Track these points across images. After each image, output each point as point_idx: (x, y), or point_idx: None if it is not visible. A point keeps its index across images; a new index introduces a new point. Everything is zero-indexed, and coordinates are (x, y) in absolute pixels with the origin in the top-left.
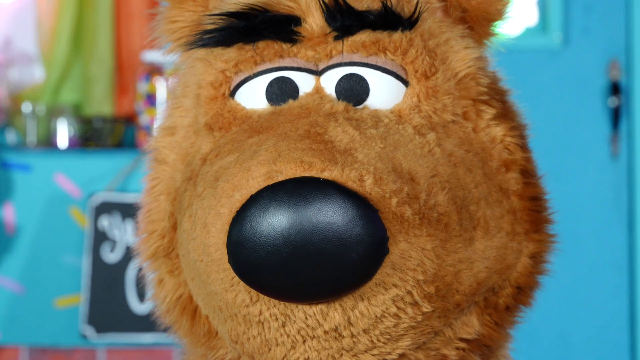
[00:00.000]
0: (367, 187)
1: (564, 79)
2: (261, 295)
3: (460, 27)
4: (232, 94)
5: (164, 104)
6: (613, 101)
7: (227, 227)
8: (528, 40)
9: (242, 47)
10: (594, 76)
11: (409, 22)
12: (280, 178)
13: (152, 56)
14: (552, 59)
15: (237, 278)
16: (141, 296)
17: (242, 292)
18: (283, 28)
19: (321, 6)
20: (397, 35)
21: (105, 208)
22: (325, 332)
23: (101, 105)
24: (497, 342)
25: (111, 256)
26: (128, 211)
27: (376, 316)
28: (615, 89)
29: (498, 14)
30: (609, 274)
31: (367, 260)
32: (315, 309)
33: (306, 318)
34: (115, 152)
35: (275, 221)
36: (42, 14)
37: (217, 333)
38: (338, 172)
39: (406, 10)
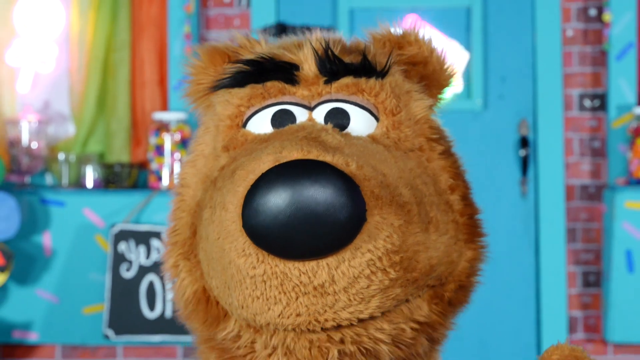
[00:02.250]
0: (352, 169)
1: (484, 135)
2: (266, 258)
3: (417, 85)
4: (244, 124)
5: (170, 154)
6: (522, 152)
7: (242, 201)
8: (456, 104)
9: (253, 87)
10: (508, 132)
11: (381, 73)
12: (285, 161)
13: (160, 116)
14: (474, 119)
15: (247, 244)
16: (151, 305)
17: (251, 255)
18: (285, 72)
19: (315, 57)
20: (372, 82)
21: (123, 235)
22: (314, 288)
23: (120, 154)
24: (440, 332)
25: (127, 273)
26: (141, 238)
27: (354, 276)
28: (524, 142)
29: (446, 82)
30: (520, 287)
31: (350, 222)
32: (307, 267)
33: (300, 275)
34: (131, 191)
35: (280, 190)
36: (74, 82)
37: (225, 315)
38: (330, 157)
39: (379, 64)
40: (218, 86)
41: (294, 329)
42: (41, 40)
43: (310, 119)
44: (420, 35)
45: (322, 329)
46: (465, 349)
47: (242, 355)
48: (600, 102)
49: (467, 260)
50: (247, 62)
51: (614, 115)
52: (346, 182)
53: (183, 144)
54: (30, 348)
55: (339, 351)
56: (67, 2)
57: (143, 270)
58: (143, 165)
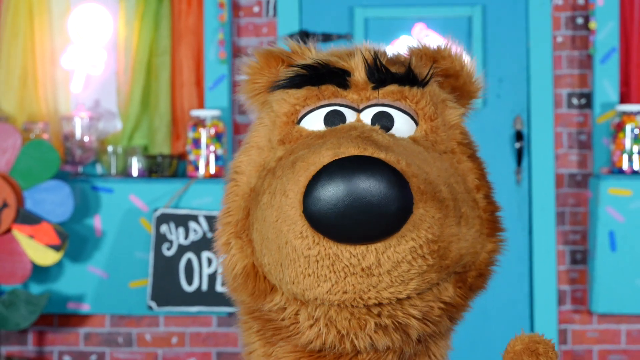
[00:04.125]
0: (402, 166)
1: (483, 129)
2: (321, 240)
3: (451, 95)
4: (299, 122)
5: (205, 146)
6: (517, 145)
7: (303, 190)
8: None
9: (309, 88)
10: (504, 127)
11: (422, 83)
12: (343, 156)
13: (197, 113)
14: (474, 115)
15: (305, 227)
16: (189, 280)
17: (308, 237)
18: (338, 77)
19: (365, 65)
20: (414, 90)
21: (164, 219)
22: (362, 269)
23: (162, 147)
24: (459, 313)
25: (168, 252)
26: (180, 221)
27: (397, 261)
28: (519, 136)
29: (475, 94)
30: (515, 264)
31: (399, 213)
32: (358, 250)
33: (350, 257)
34: (171, 179)
35: (339, 181)
36: (121, 83)
37: (271, 289)
38: (383, 154)
39: (420, 75)
40: (277, 86)
41: (339, 305)
42: (92, 46)
43: (359, 120)
44: (453, 50)
45: (364, 305)
46: (468, 320)
47: (287, 325)
48: (587, 100)
49: (487, 251)
50: (304, 66)
51: (598, 112)
52: (397, 177)
53: (217, 137)
54: (83, 317)
55: (375, 323)
56: (115, 13)
57: (182, 249)
58: (182, 157)
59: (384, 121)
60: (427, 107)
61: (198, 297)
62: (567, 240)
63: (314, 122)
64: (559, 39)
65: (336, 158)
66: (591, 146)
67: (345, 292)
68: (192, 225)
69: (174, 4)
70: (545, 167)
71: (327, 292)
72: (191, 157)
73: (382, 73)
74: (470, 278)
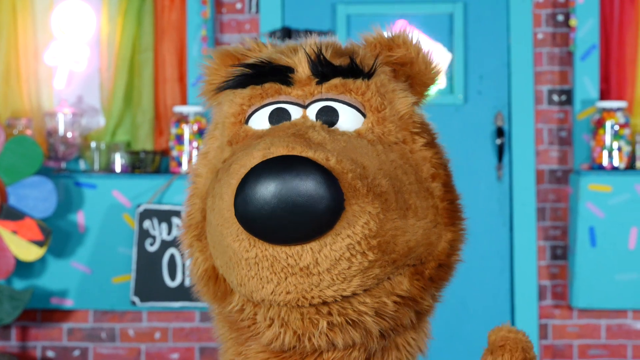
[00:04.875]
0: (331, 164)
1: (464, 126)
2: (257, 242)
3: (403, 83)
4: (246, 121)
5: (188, 142)
6: (498, 141)
7: (234, 192)
8: (440, 99)
9: (253, 87)
10: (485, 123)
11: (367, 74)
12: (272, 156)
13: (180, 109)
14: (456, 112)
15: (240, 230)
16: (172, 275)
17: (244, 240)
18: (281, 74)
19: (308, 61)
20: (359, 82)
21: (147, 214)
22: (301, 269)
23: (145, 143)
24: (424, 305)
25: (151, 247)
26: (163, 216)
27: (335, 259)
28: (500, 132)
29: (431, 81)
30: (496, 259)
31: (328, 212)
32: (293, 250)
33: (287, 258)
34: (154, 175)
35: (266, 182)
36: (104, 80)
37: (231, 291)
38: (312, 153)
39: (367, 66)
40: (223, 87)
41: (285, 305)
42: (75, 43)
43: (304, 117)
44: (408, 38)
45: (310, 304)
46: (449, 315)
47: (247, 326)
48: (567, 97)
49: (447, 241)
50: (248, 65)
51: (578, 108)
52: (326, 176)
53: (200, 133)
54: (66, 313)
55: (328, 322)
56: (97, 9)
57: (165, 245)
58: (165, 153)
59: (328, 116)
60: (373, 99)
61: (181, 293)
62: (548, 235)
63: (260, 121)
64: (540, 36)
65: (265, 159)
66: (571, 142)
67: (288, 293)
68: (175, 220)
69: (157, 1)
70: (526, 163)
71: (271, 293)
72: (174, 153)
73: (325, 67)
74: (428, 269)
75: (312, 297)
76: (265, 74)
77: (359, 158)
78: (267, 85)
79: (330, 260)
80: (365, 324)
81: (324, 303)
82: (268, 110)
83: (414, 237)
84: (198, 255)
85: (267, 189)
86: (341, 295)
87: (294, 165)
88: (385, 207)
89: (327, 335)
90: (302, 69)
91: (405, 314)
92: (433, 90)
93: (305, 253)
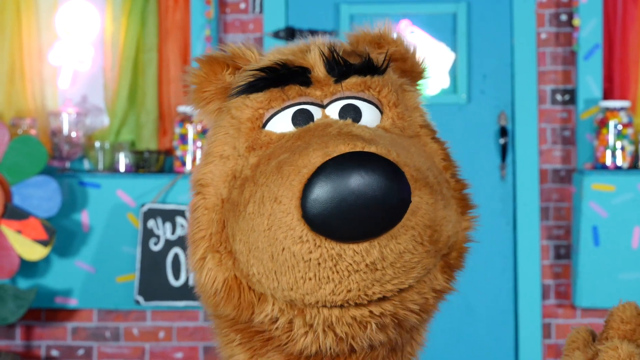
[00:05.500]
0: (394, 157)
1: (468, 125)
2: (322, 242)
3: (405, 79)
4: (264, 126)
5: (192, 142)
6: (502, 140)
7: (298, 194)
8: (443, 98)
9: (272, 91)
10: (489, 123)
11: (381, 70)
12: (335, 155)
13: (184, 109)
14: (459, 111)
15: (305, 231)
16: (176, 275)
17: (308, 241)
18: (300, 76)
19: (323, 60)
20: (376, 78)
21: (151, 214)
22: (366, 265)
23: (149, 142)
24: (445, 295)
25: (155, 247)
26: (167, 216)
27: (400, 252)
28: (503, 132)
29: (422, 74)
30: (500, 259)
31: (401, 205)
32: (361, 247)
33: (354, 255)
34: (158, 175)
35: (338, 180)
36: (108, 79)
37: (260, 301)
38: (374, 148)
39: (378, 63)
40: (238, 92)
41: (341, 305)
42: (79, 43)
43: (325, 116)
44: (395, 34)
45: (368, 302)
46: (452, 313)
47: (278, 335)
48: (570, 96)
49: (463, 229)
50: (263, 69)
51: (582, 108)
52: (394, 169)
53: (204, 133)
54: (70, 312)
55: (376, 324)
56: (102, 9)
57: (169, 244)
58: (169, 152)
59: (351, 114)
60: (390, 95)
61: (185, 292)
62: (551, 235)
63: (281, 124)
64: (543, 36)
65: (328, 158)
66: (575, 142)
67: (349, 291)
68: (179, 220)
69: (161, 1)
70: (529, 163)
71: (330, 293)
72: (178, 152)
73: (341, 66)
74: (452, 259)
75: (373, 293)
76: (283, 76)
77: (403, 152)
78: (287, 87)
79: (395, 254)
80: (410, 321)
81: (380, 300)
82: (290, 112)
83: (451, 225)
84: (213, 267)
85: (340, 187)
86: (399, 289)
87: (361, 161)
88: (436, 198)
89: (370, 338)
90: (319, 68)
91: (436, 308)
92: (427, 84)
93: (372, 249)
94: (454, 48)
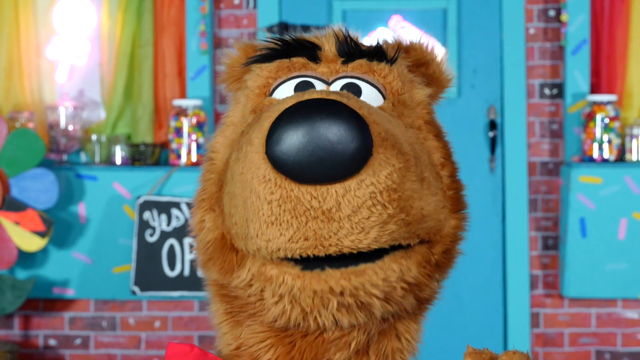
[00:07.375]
0: (363, 112)
1: (458, 119)
2: (283, 182)
3: (420, 78)
4: (271, 94)
5: (187, 135)
6: (491, 134)
7: (266, 133)
8: None
9: (281, 61)
10: (478, 116)
11: (390, 60)
12: (305, 99)
13: (179, 103)
14: (450, 105)
15: (268, 170)
16: (171, 265)
17: (270, 180)
18: (309, 50)
19: (336, 40)
20: (383, 65)
21: (147, 205)
22: (323, 212)
23: (145, 135)
24: (428, 293)
25: (151, 238)
26: (163, 208)
27: (357, 205)
28: (492, 125)
29: (446, 83)
30: (489, 249)
31: (357, 154)
32: (318, 192)
33: (311, 199)
34: (154, 167)
35: (300, 121)
36: (104, 74)
37: (239, 264)
38: (346, 100)
39: (390, 53)
40: (252, 61)
41: (300, 255)
42: (76, 37)
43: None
44: (425, 43)
45: (325, 255)
46: (442, 304)
47: (253, 302)
48: (558, 90)
49: (452, 227)
50: (277, 41)
51: (570, 102)
52: (358, 120)
53: (199, 126)
54: (68, 302)
55: (338, 302)
56: (98, 5)
57: (164, 236)
58: (164, 145)
59: (352, 92)
60: (394, 82)
61: (180, 282)
62: (539, 226)
63: (285, 93)
64: (532, 31)
65: (298, 101)
66: (562, 135)
67: (306, 239)
68: (175, 212)
69: None
70: (518, 156)
71: (288, 240)
72: (173, 145)
73: (351, 47)
74: (436, 255)
75: (330, 245)
76: (293, 49)
77: (384, 121)
78: (294, 59)
79: (352, 207)
80: (373, 307)
81: (340, 256)
82: (294, 82)
83: (427, 206)
84: (208, 225)
85: (301, 127)
86: (357, 247)
87: (327, 106)
88: (407, 166)
89: (333, 316)
90: (329, 47)
91: (409, 301)
92: (448, 93)
93: (329, 196)
94: (444, 43)
